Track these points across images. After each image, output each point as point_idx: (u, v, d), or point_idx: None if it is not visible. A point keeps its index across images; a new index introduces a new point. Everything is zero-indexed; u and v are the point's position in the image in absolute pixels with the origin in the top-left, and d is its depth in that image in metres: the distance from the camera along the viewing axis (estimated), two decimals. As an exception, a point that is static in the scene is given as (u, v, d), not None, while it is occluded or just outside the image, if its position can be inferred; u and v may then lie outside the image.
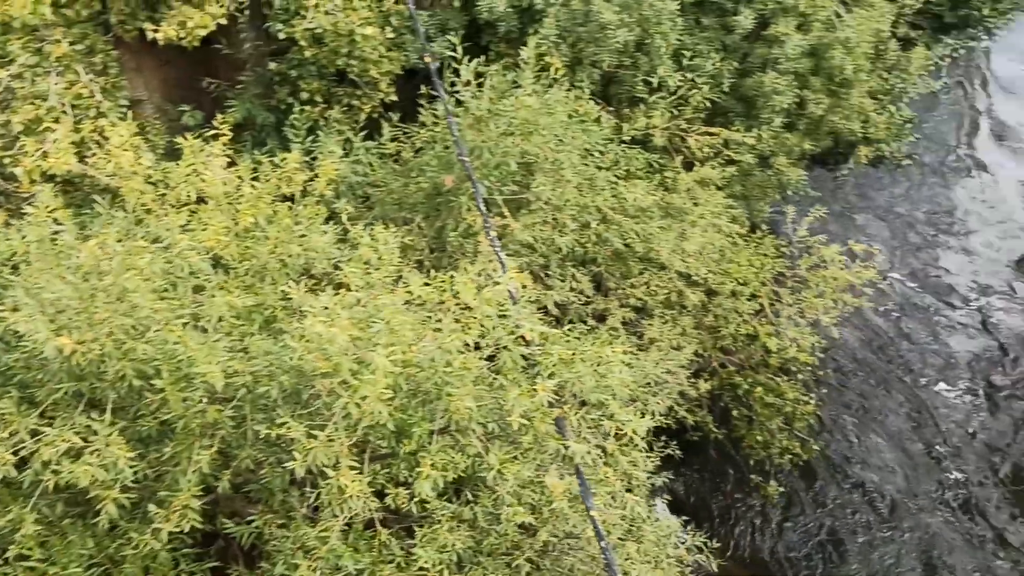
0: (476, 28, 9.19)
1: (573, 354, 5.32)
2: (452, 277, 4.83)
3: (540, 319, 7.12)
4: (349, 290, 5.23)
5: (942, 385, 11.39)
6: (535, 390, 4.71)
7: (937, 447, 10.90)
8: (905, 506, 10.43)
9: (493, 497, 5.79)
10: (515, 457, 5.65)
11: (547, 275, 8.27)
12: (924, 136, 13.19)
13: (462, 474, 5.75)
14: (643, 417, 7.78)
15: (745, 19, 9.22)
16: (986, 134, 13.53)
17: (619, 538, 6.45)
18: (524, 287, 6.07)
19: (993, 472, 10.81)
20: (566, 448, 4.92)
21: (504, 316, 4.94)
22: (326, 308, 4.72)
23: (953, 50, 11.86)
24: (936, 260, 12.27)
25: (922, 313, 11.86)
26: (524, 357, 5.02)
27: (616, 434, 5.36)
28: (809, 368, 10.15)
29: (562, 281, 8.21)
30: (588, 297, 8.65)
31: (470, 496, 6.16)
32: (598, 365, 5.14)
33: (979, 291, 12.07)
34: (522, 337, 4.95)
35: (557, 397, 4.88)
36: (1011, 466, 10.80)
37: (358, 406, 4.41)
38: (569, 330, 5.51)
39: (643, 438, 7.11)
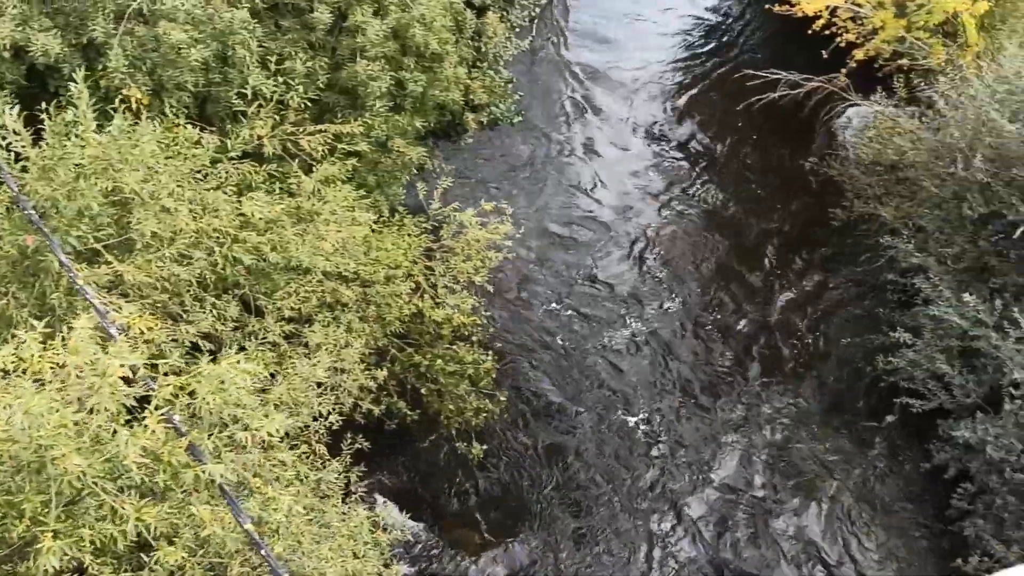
0: (40, 75, 8.53)
1: (216, 381, 5.15)
2: (15, 337, 4.44)
3: (186, 355, 6.82)
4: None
5: (591, 298, 12.53)
6: (146, 426, 4.48)
7: (599, 363, 11.96)
8: (591, 426, 11.36)
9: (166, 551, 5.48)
10: (186, 504, 5.39)
11: (185, 311, 7.91)
12: (533, 92, 14.29)
13: (135, 539, 5.39)
14: (318, 419, 7.78)
15: (322, 14, 9.37)
16: (583, 80, 14.94)
17: (315, 542, 6.39)
18: (150, 329, 5.77)
19: (665, 378, 12.03)
20: (204, 472, 4.73)
21: (97, 363, 4.62)
22: None
23: (531, 11, 12.88)
24: (568, 197, 13.40)
25: (562, 245, 12.93)
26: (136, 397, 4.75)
27: (261, 444, 5.25)
28: (479, 328, 10.68)
29: (203, 312, 7.89)
30: (238, 321, 8.41)
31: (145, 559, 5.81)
32: (220, 383, 4.98)
33: (607, 207, 13.48)
34: (124, 378, 4.67)
35: (172, 426, 4.67)
36: (679, 373, 12.10)
37: (-61, 504, 3.93)
38: (182, 355, 5.29)
39: (310, 440, 7.09)
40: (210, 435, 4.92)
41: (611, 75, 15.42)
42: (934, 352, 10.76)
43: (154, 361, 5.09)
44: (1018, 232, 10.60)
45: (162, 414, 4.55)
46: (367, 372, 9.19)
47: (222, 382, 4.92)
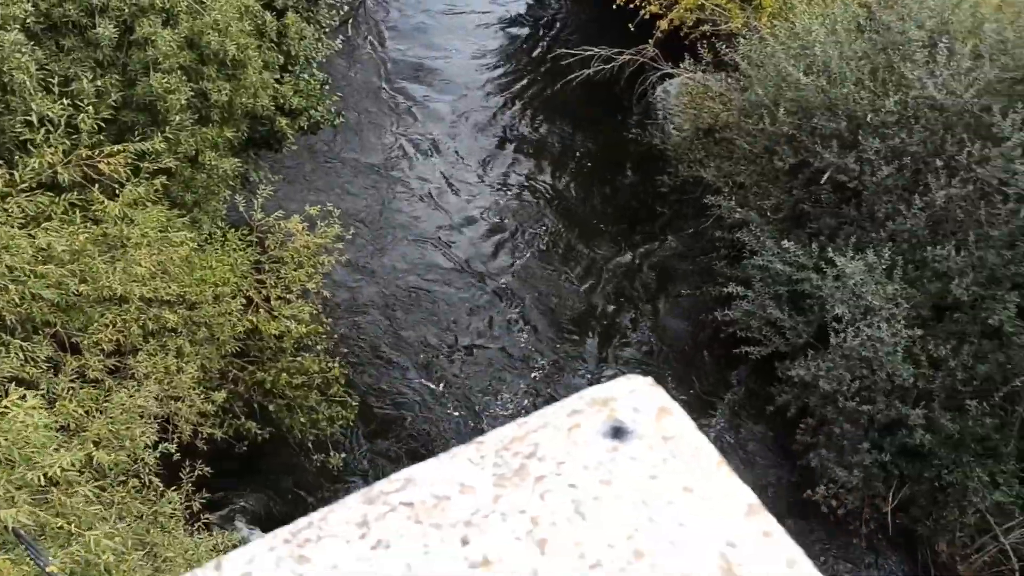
0: None
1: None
2: None
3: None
4: None
5: (430, 281, 12.54)
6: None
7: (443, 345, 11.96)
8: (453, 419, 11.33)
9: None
10: None
11: (-13, 357, 7.35)
12: (353, 92, 14.10)
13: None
14: (151, 450, 7.41)
15: (105, 30, 8.89)
16: (404, 77, 14.86)
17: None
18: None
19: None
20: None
21: None
22: None
23: (339, 9, 12.68)
24: (394, 188, 13.32)
25: (393, 237, 12.86)
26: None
27: (52, 480, 4.92)
28: (323, 335, 10.44)
29: (7, 357, 7.36)
30: (52, 360, 7.90)
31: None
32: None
33: (437, 198, 13.49)
34: None
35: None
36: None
37: None
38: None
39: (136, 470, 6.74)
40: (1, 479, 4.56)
41: (433, 69, 15.41)
42: (765, 300, 11.27)
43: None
44: (824, 178, 11.22)
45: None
46: (204, 396, 8.84)
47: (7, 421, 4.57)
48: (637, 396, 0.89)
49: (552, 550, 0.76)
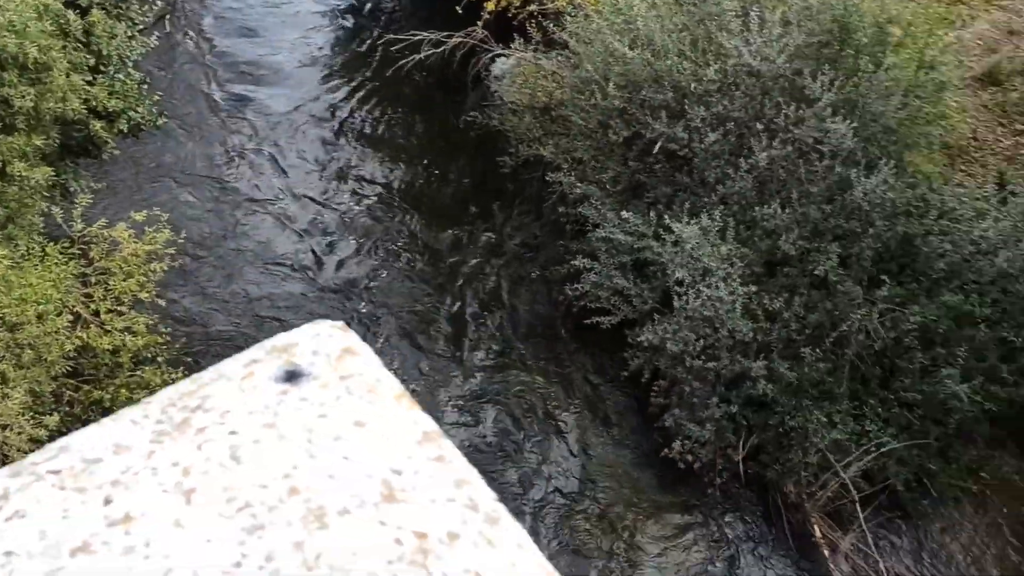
0: None
1: None
2: None
3: None
4: None
5: (270, 268, 12.24)
6: None
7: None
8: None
9: None
10: None
11: None
12: (175, 91, 13.47)
13: None
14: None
15: None
16: (231, 74, 14.31)
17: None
18: None
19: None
20: None
21: None
22: None
23: (151, 4, 12.09)
24: (236, 203, 12.84)
25: (242, 261, 12.43)
26: None
27: None
28: (163, 346, 9.99)
29: None
30: None
31: None
32: None
33: (271, 203, 13.11)
34: None
35: None
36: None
37: None
38: None
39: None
40: None
41: (262, 67, 14.91)
42: (611, 270, 11.55)
43: None
44: (656, 148, 11.60)
45: None
46: (35, 422, 8.31)
47: None
48: (319, 340, 0.86)
49: (199, 498, 0.72)
